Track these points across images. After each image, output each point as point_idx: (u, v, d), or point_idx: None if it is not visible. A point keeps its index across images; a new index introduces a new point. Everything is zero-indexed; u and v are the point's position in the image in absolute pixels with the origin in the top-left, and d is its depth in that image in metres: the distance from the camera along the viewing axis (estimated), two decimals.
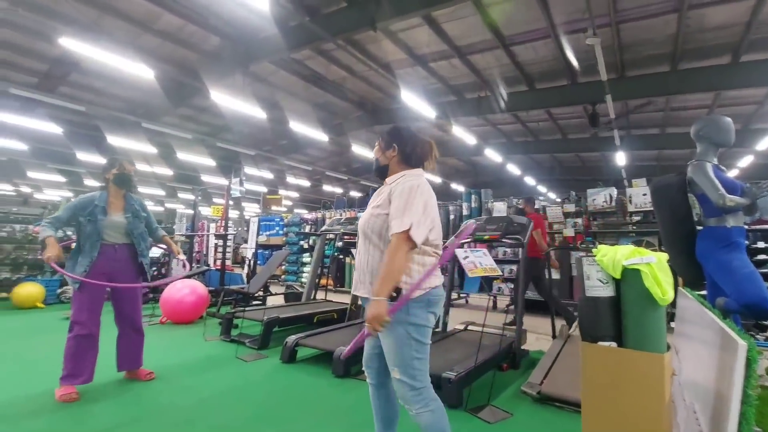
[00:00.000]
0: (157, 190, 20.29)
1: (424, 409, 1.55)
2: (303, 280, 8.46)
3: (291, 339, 3.55)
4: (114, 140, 11.77)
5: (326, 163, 17.73)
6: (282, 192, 19.51)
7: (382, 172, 1.80)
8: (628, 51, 8.23)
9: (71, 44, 6.05)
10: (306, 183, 20.04)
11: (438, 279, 1.64)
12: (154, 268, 7.34)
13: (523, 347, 3.62)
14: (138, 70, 6.93)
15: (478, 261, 2.50)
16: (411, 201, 1.56)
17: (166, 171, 15.93)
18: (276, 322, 4.12)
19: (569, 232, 5.84)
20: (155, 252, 6.24)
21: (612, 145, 12.81)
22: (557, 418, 2.46)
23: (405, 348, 1.54)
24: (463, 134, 10.98)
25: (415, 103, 8.29)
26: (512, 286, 6.29)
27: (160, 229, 3.27)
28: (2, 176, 17.50)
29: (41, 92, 9.27)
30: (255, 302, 5.88)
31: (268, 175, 17.76)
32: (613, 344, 1.56)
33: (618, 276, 1.57)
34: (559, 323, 4.22)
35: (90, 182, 18.03)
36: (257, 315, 4.23)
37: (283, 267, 9.22)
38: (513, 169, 16.64)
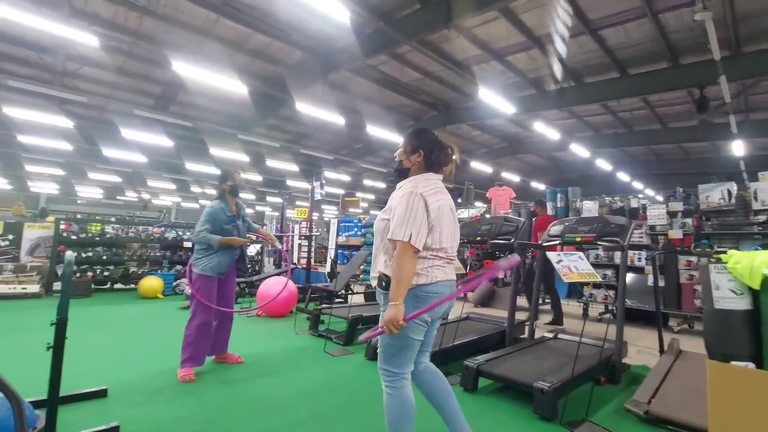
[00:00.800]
0: (248, 195, 22.22)
1: (387, 389, 1.74)
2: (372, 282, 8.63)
3: (375, 339, 3.65)
4: (215, 151, 13.14)
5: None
6: (358, 194, 20.13)
7: (403, 174, 1.88)
8: (744, 24, 7.11)
9: (181, 68, 6.88)
10: (381, 185, 20.46)
11: (426, 278, 1.72)
12: (250, 265, 8.06)
13: (623, 360, 3.31)
14: (234, 87, 7.64)
15: (573, 265, 2.35)
16: (409, 209, 1.67)
17: (257, 177, 17.38)
18: (360, 320, 4.27)
19: (676, 233, 5.19)
20: (251, 250, 6.83)
21: (726, 133, 11.16)
22: None
23: (387, 336, 1.68)
24: (544, 129, 10.35)
25: (493, 99, 8.01)
26: (606, 292, 5.78)
27: (257, 226, 3.70)
28: (129, 185, 20.50)
29: (157, 111, 10.66)
30: (338, 300, 6.17)
31: (346, 178, 18.45)
32: (750, 365, 1.36)
33: (756, 286, 1.37)
34: (668, 336, 3.78)
35: (195, 188, 20.37)
36: (342, 312, 4.43)
37: (361, 267, 9.54)
38: (602, 165, 15.27)
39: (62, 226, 7.20)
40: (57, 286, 6.58)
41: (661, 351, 3.40)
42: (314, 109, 9.03)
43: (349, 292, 6.36)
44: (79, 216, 8.33)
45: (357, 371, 3.38)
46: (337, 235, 10.21)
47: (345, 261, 8.90)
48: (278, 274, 6.47)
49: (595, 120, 13.13)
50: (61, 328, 1.97)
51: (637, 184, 18.34)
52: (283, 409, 2.54)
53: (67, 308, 2.02)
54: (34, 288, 6.56)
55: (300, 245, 10.14)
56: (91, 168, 16.70)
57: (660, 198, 9.41)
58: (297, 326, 4.80)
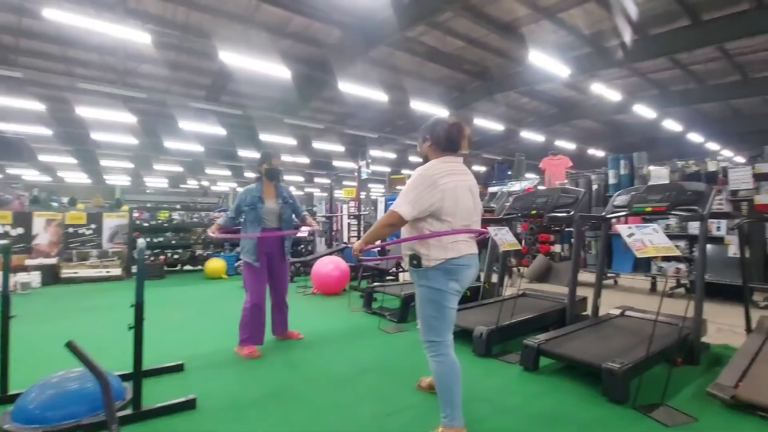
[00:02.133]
0: (297, 177, 22.88)
1: (434, 357, 1.90)
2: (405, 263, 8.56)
3: None
4: (264, 136, 13.57)
5: None
6: (404, 171, 20.00)
7: (426, 162, 2.04)
8: None
9: (227, 57, 7.06)
10: None
11: (454, 252, 1.87)
12: (302, 246, 8.34)
13: (702, 339, 3.04)
14: (277, 72, 7.75)
15: (648, 239, 2.14)
16: (412, 186, 1.87)
17: (304, 159, 17.79)
18: (413, 297, 4.26)
19: (764, 198, 4.60)
20: (304, 232, 7.04)
21: None
22: (762, 430, 2.01)
23: (424, 306, 1.91)
24: (604, 90, 9.53)
25: (545, 61, 7.46)
26: (678, 265, 5.32)
27: (304, 211, 3.73)
28: (190, 173, 21.88)
29: (209, 102, 11.13)
30: (389, 278, 6.22)
31: (391, 156, 18.36)
32: None
33: None
34: (755, 313, 3.40)
35: (249, 174, 21.34)
36: (395, 290, 4.46)
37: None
38: (670, 126, 13.89)
39: (135, 215, 7.84)
40: (135, 268, 7.23)
41: (748, 329, 3.08)
42: (357, 88, 8.96)
43: (400, 269, 6.38)
44: (149, 204, 9.03)
45: (411, 347, 3.40)
46: (386, 212, 10.25)
47: (394, 238, 8.92)
48: (330, 253, 6.63)
49: (661, 76, 11.91)
50: (139, 310, 2.13)
51: (712, 145, 16.56)
52: (345, 385, 2.62)
53: (142, 292, 2.18)
54: (117, 271, 7.25)
55: (349, 225, 10.29)
56: (155, 159, 17.97)
57: (741, 159, 8.40)
58: (351, 304, 4.91)
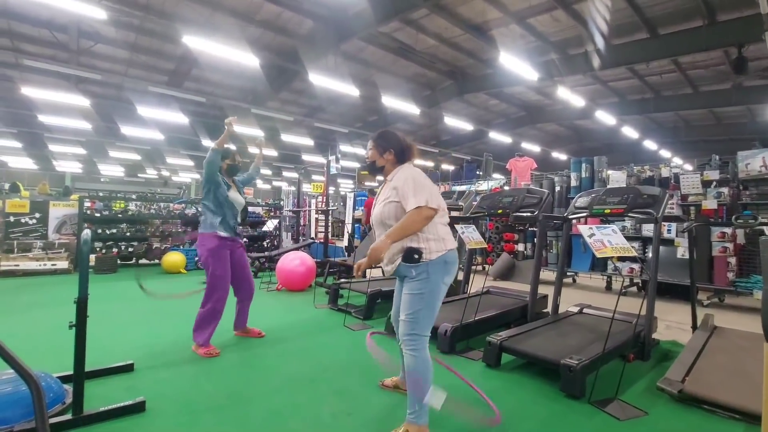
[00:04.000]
0: (265, 171, 22.29)
1: (412, 351, 1.91)
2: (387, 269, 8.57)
3: (392, 315, 3.62)
4: None
5: (416, 137, 17.58)
6: None
7: (378, 171, 2.20)
8: None
9: (192, 41, 6.72)
10: None
11: (450, 243, 1.99)
12: (267, 241, 8.11)
13: (653, 336, 3.19)
14: (245, 60, 7.47)
15: (607, 239, 2.20)
16: (417, 184, 1.93)
17: (272, 152, 17.35)
18: (379, 294, 4.25)
19: (710, 204, 4.91)
20: (269, 226, 6.85)
21: (765, 96, 10.47)
22: (706, 422, 2.12)
23: (414, 300, 1.91)
24: (569, 95, 9.87)
25: (514, 64, 7.61)
26: (632, 265, 5.59)
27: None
28: (148, 162, 20.80)
29: (171, 88, 10.58)
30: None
31: (361, 152, 18.26)
32: None
33: None
34: (702, 312, 3.62)
35: None
36: (362, 287, 4.41)
37: None
38: (628, 133, 14.62)
39: (87, 204, 7.34)
40: None
41: (694, 327, 3.27)
42: (327, 80, 8.78)
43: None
44: (101, 194, 8.48)
45: (377, 344, 3.36)
46: (354, 209, 10.16)
47: (361, 235, 8.87)
48: (297, 248, 6.49)
49: (620, 85, 12.49)
50: (81, 307, 1.97)
51: (665, 153, 17.58)
52: (307, 384, 2.55)
53: (86, 287, 2.01)
54: (63, 264, 6.77)
55: (317, 220, 10.14)
56: (111, 146, 16.94)
57: (689, 167, 8.96)
58: (316, 300, 4.82)
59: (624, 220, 5.64)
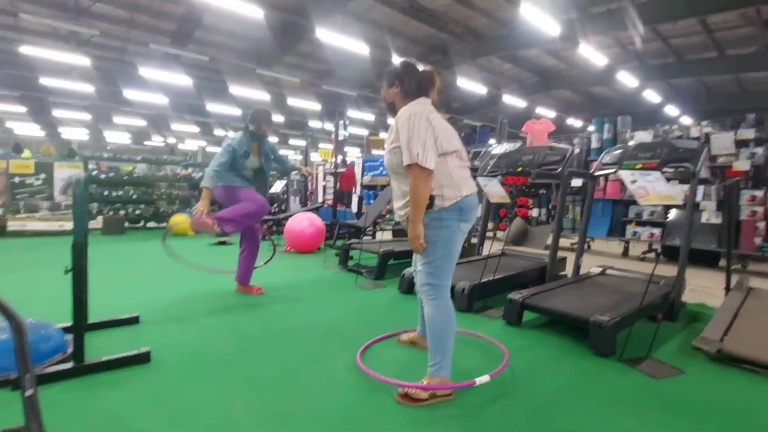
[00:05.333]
0: (270, 138, 21.97)
1: (432, 300, 1.79)
2: (397, 219, 8.43)
3: (408, 271, 3.49)
4: (235, 89, 12.69)
5: None
6: (383, 135, 19.54)
7: (392, 110, 1.93)
8: None
9: None
10: None
11: (467, 189, 1.80)
12: (275, 205, 7.99)
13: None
14: (250, 12, 7.10)
15: (651, 186, 2.00)
16: (412, 129, 1.69)
17: (278, 118, 16.98)
18: (391, 254, 4.11)
19: (742, 165, 4.62)
20: (277, 187, 6.70)
21: None
22: (748, 381, 1.98)
23: (432, 246, 1.76)
24: (592, 53, 9.34)
25: (536, 16, 7.14)
26: (654, 230, 5.37)
27: (290, 161, 3.74)
28: (154, 129, 20.54)
29: (173, 46, 10.19)
30: (365, 237, 6.03)
31: (369, 118, 17.83)
32: None
33: None
34: (720, 276, 3.43)
35: (219, 131, 20.24)
36: (373, 247, 4.26)
37: (387, 207, 9.33)
38: (648, 98, 14.02)
39: (91, 167, 7.21)
40: (92, 224, 6.69)
41: (728, 288, 3.09)
42: (336, 37, 8.36)
43: (378, 228, 6.20)
44: (105, 155, 8.32)
45: (391, 303, 3.26)
46: (362, 175, 9.94)
47: (371, 201, 8.70)
48: (306, 211, 6.34)
49: (642, 48, 11.81)
50: (78, 251, 1.83)
51: (686, 121, 16.93)
52: (319, 340, 2.44)
53: (83, 233, 1.88)
54: (70, 225, 6.71)
55: (324, 187, 9.94)
56: (115, 111, 16.67)
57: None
58: (326, 262, 4.70)
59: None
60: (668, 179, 4.97)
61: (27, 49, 9.25)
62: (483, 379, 1.77)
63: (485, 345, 2.33)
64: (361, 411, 1.67)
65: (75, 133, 20.87)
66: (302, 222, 5.22)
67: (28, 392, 1.07)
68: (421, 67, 1.90)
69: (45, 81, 12.06)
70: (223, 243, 6.03)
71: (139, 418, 1.57)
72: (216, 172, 3.03)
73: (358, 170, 10.51)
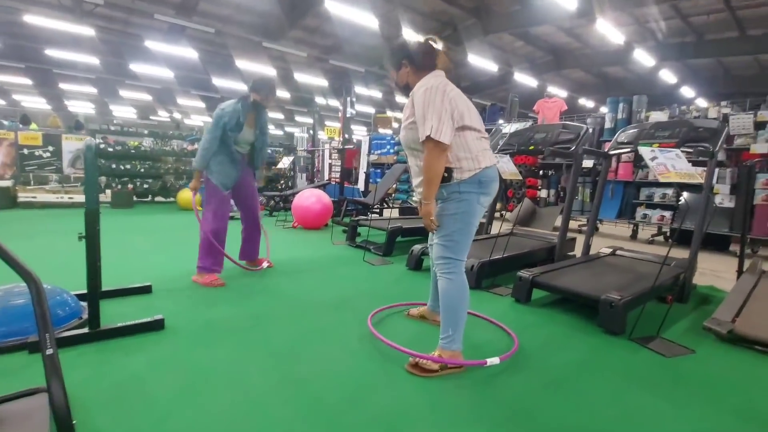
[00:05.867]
0: (277, 114, 21.75)
1: (447, 275, 1.78)
2: (414, 199, 8.42)
3: (417, 248, 3.49)
4: (241, 63, 12.49)
5: None
6: (389, 113, 19.29)
7: (407, 90, 1.84)
8: None
9: None
10: None
11: (486, 160, 1.75)
12: (282, 182, 7.97)
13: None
14: None
15: (671, 163, 1.95)
16: (427, 103, 1.64)
17: (285, 94, 16.77)
18: (399, 231, 4.10)
19: (760, 147, 4.51)
20: (285, 163, 6.66)
21: None
22: (759, 361, 1.97)
23: (450, 219, 1.74)
24: (608, 29, 9.05)
25: None
26: (663, 213, 5.31)
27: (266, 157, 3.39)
28: (159, 103, 20.40)
29: (178, 17, 9.98)
30: (373, 214, 6.03)
31: (377, 95, 17.57)
32: None
33: None
34: (730, 260, 3.40)
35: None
36: (381, 224, 4.26)
37: (394, 186, 9.27)
38: (664, 78, 13.63)
39: (98, 140, 7.19)
40: (101, 198, 6.72)
41: (740, 272, 3.06)
42: (345, 8, 8.13)
43: (385, 206, 6.18)
44: (112, 129, 8.29)
45: (399, 278, 3.26)
46: (369, 153, 9.85)
47: (378, 180, 8.66)
48: (313, 188, 6.33)
49: (660, 27, 11.40)
50: (91, 217, 1.83)
51: (702, 103, 16.53)
52: (330, 311, 2.46)
53: (95, 199, 1.87)
54: (80, 198, 6.74)
55: (330, 165, 9.88)
56: (121, 85, 16.53)
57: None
58: (333, 238, 4.71)
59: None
60: (690, 157, 4.89)
61: (31, 18, 9.11)
62: (493, 360, 1.77)
63: (495, 327, 2.32)
64: (373, 377, 1.69)
65: (81, 107, 20.80)
66: (309, 198, 5.21)
67: (49, 351, 1.09)
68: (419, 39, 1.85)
69: (50, 52, 11.92)
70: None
71: (155, 381, 1.60)
72: (205, 151, 2.85)
73: (364, 148, 10.42)
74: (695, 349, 2.06)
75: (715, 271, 3.92)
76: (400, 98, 18.90)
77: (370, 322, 2.12)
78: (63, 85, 16.65)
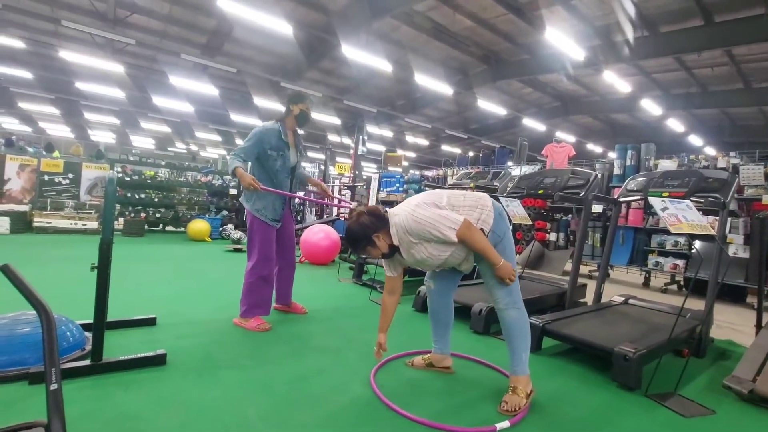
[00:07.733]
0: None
1: (515, 308, 1.91)
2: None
3: (423, 289, 3.45)
4: (258, 101, 13.01)
5: (444, 123, 17.18)
6: (399, 152, 19.68)
7: (395, 251, 1.93)
8: None
9: (226, 5, 6.58)
10: (424, 142, 19.84)
11: (485, 200, 1.98)
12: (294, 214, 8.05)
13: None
14: (278, 27, 7.31)
15: (682, 214, 1.94)
16: (424, 224, 1.81)
17: (298, 131, 17.26)
18: (406, 270, 4.05)
19: None
20: (311, 190, 6.75)
21: None
22: None
23: (509, 278, 1.88)
24: (615, 79, 9.33)
25: (560, 40, 7.17)
26: (676, 261, 5.22)
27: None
28: (178, 136, 21.11)
29: (203, 56, 10.54)
30: None
31: (387, 134, 18.01)
32: None
33: None
34: (746, 312, 3.30)
35: (240, 142, 20.67)
36: None
37: None
38: (672, 126, 13.85)
39: (118, 170, 7.41)
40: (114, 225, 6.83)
41: (759, 326, 2.95)
42: (360, 54, 8.53)
43: None
44: (131, 158, 8.55)
45: (406, 321, 3.20)
46: (378, 190, 9.97)
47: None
48: (322, 223, 6.37)
49: (665, 78, 11.74)
50: (105, 249, 1.85)
51: (710, 152, 16.66)
52: (332, 352, 2.41)
53: (111, 230, 1.90)
54: (93, 224, 6.87)
55: (339, 201, 10.00)
56: (143, 117, 17.21)
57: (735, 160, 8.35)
58: (340, 274, 4.69)
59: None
60: (700, 208, 4.87)
61: (66, 54, 9.68)
62: (503, 425, 1.69)
63: (505, 379, 2.24)
64: (373, 427, 1.62)
65: (103, 136, 21.60)
66: (318, 234, 5.24)
67: (53, 386, 1.08)
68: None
69: (80, 85, 12.56)
70: (238, 250, 6.08)
71: (152, 420, 1.55)
72: (236, 153, 2.58)
73: (374, 185, 10.56)
74: (715, 409, 1.96)
75: (731, 324, 3.79)
76: (410, 137, 19.36)
77: (373, 380, 2.01)
78: (88, 115, 17.38)
